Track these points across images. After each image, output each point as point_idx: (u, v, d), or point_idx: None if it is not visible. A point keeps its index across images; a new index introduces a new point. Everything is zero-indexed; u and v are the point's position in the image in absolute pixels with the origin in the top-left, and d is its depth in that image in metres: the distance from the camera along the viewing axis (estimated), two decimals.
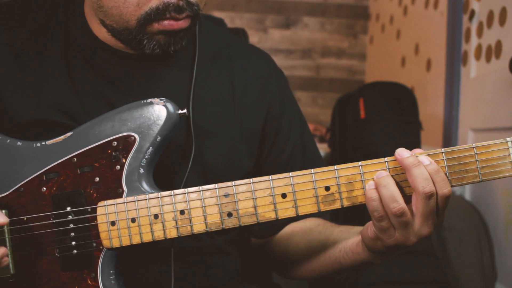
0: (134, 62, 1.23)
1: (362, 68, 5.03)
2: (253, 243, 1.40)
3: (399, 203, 0.99)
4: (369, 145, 2.71)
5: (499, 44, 2.60)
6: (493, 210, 2.61)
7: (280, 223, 1.33)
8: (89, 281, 1.09)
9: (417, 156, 1.01)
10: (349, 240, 1.18)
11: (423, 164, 1.00)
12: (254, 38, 4.85)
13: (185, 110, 1.10)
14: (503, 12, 2.56)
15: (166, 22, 1.13)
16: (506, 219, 2.48)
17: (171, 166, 1.20)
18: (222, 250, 1.29)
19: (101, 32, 1.22)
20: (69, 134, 1.12)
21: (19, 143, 1.13)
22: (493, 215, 2.61)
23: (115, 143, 1.09)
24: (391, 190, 1.00)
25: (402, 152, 1.01)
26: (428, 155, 1.01)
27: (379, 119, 2.77)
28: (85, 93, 1.19)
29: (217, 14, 4.07)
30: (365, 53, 5.03)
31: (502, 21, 2.57)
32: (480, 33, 2.81)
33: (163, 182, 1.12)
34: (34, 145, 1.12)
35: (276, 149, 1.34)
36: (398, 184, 1.01)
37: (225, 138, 1.26)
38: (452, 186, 1.02)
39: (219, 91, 1.28)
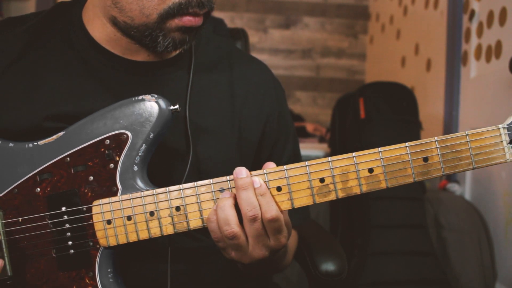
0: (132, 68, 1.23)
1: (362, 68, 5.03)
2: None
3: (231, 226, 1.01)
4: (369, 145, 2.71)
5: (499, 44, 2.60)
6: (493, 210, 2.61)
7: None
8: (87, 280, 1.08)
9: (252, 177, 1.02)
10: None
11: (253, 186, 1.01)
12: (254, 38, 4.85)
13: (177, 106, 1.09)
14: (503, 12, 2.56)
15: (186, 18, 1.13)
16: (506, 219, 2.48)
17: (169, 171, 1.20)
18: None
19: (102, 36, 1.22)
20: (61, 133, 1.11)
21: (10, 144, 1.12)
22: (493, 215, 2.60)
23: (108, 141, 1.08)
24: (226, 213, 1.01)
25: (239, 172, 1.03)
26: (422, 144, 1.02)
27: (379, 119, 2.77)
28: (81, 98, 1.19)
29: (217, 14, 4.07)
30: (365, 53, 5.03)
31: (502, 21, 2.57)
32: (480, 33, 2.81)
33: (160, 186, 1.11)
34: (26, 145, 1.12)
35: (273, 160, 1.34)
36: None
37: (223, 146, 1.26)
38: (445, 174, 1.02)
39: (219, 99, 1.28)
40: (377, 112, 2.79)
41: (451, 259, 2.60)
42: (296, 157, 1.40)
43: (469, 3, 2.92)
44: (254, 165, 1.32)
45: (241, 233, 1.02)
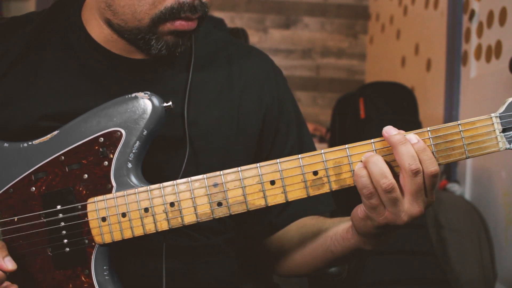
0: (131, 66, 1.23)
1: (362, 68, 5.02)
2: (249, 242, 1.40)
3: (388, 178, 0.99)
4: None
5: (499, 44, 2.60)
6: (493, 210, 2.60)
7: (279, 223, 1.33)
8: (83, 278, 1.08)
9: (404, 134, 1.00)
10: (340, 227, 1.17)
11: (410, 142, 1.00)
12: (254, 38, 4.85)
13: (170, 103, 1.09)
14: (503, 12, 2.56)
15: (178, 23, 1.13)
16: (506, 219, 2.48)
17: (166, 166, 1.20)
18: (219, 249, 1.29)
19: (100, 35, 1.22)
20: (55, 132, 1.11)
21: (5, 144, 1.13)
22: (493, 215, 2.60)
23: (102, 139, 1.08)
24: (380, 165, 0.99)
25: (389, 130, 1.01)
26: (415, 133, 1.01)
27: (379, 119, 2.78)
28: (78, 98, 1.20)
29: (217, 14, 4.06)
30: (365, 53, 5.02)
31: (502, 21, 2.57)
32: (480, 33, 2.81)
33: (158, 182, 1.11)
34: (21, 145, 1.12)
35: (275, 151, 1.34)
36: (387, 163, 1.01)
37: (222, 139, 1.26)
38: (439, 164, 1.02)
39: (217, 92, 1.28)
40: (377, 112, 2.79)
41: (451, 259, 2.60)
42: (301, 145, 1.38)
43: (469, 3, 2.92)
44: (256, 156, 1.31)
45: (397, 186, 1.00)
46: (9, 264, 1.05)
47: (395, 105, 2.84)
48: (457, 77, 3.02)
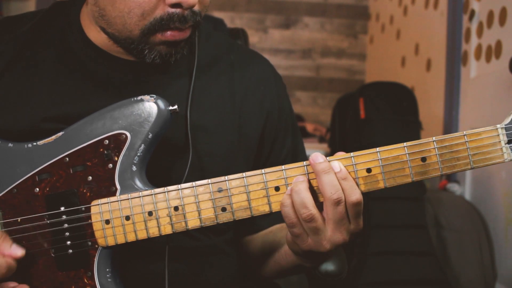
0: (132, 69, 1.23)
1: (362, 68, 5.03)
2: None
3: (308, 209, 0.99)
4: (369, 145, 2.70)
5: (499, 44, 2.60)
6: (493, 210, 2.61)
7: (259, 225, 1.34)
8: (85, 280, 1.08)
9: (329, 162, 1.01)
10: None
11: (334, 170, 1.00)
12: (254, 38, 4.85)
13: (175, 106, 1.09)
14: (503, 12, 2.56)
15: (169, 33, 1.13)
16: (506, 219, 2.48)
17: (169, 171, 1.20)
18: (221, 250, 1.29)
19: (98, 39, 1.22)
20: (60, 134, 1.11)
21: (10, 144, 1.13)
22: (493, 215, 2.60)
23: (107, 141, 1.08)
24: (302, 196, 1.00)
25: (316, 158, 1.01)
26: (420, 144, 1.02)
27: (379, 119, 2.77)
28: (79, 100, 1.19)
29: (217, 14, 4.07)
30: (365, 53, 5.03)
31: (502, 21, 2.57)
32: (480, 33, 2.81)
33: (161, 185, 1.11)
34: (26, 146, 1.12)
35: (273, 157, 1.34)
36: (314, 190, 1.02)
37: (224, 143, 1.26)
38: (444, 174, 1.02)
39: (219, 96, 1.28)
40: (377, 112, 2.79)
41: (451, 259, 2.60)
42: (295, 152, 1.39)
43: (469, 3, 2.92)
44: (256, 161, 1.32)
45: (318, 215, 1.00)
46: (18, 251, 1.06)
47: (395, 105, 2.83)
48: (457, 77, 3.02)
